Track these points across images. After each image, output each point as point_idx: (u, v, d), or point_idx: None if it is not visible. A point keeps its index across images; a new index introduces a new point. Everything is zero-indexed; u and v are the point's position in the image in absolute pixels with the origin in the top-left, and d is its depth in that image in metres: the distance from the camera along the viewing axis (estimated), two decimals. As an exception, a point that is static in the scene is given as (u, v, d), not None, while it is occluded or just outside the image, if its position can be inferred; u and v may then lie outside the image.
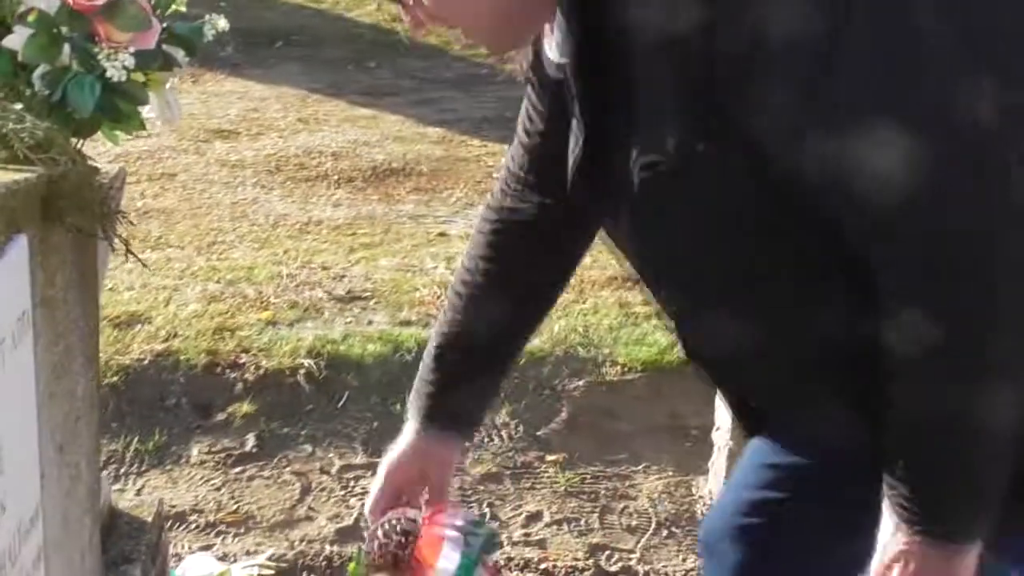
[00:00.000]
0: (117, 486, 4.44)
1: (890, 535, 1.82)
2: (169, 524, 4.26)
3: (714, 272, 1.88)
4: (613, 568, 4.06)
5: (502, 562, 4.04)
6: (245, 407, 4.75)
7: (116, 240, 1.98)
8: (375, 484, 2.42)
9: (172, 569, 2.76)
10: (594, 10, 1.79)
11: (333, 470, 4.54)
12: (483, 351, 2.35)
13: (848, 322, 1.80)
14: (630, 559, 4.16)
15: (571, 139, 1.95)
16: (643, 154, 1.81)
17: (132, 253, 2.04)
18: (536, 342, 5.03)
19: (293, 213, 6.76)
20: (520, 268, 2.30)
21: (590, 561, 4.09)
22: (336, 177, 7.41)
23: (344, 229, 6.53)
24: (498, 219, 2.31)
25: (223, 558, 3.97)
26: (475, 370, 2.37)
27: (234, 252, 6.09)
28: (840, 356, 1.86)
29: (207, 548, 4.12)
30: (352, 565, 3.91)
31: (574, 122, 1.92)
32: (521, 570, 4.00)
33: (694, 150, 1.76)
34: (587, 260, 6.11)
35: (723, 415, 4.39)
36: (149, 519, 2.42)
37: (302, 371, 4.86)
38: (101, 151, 7.44)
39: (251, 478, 4.50)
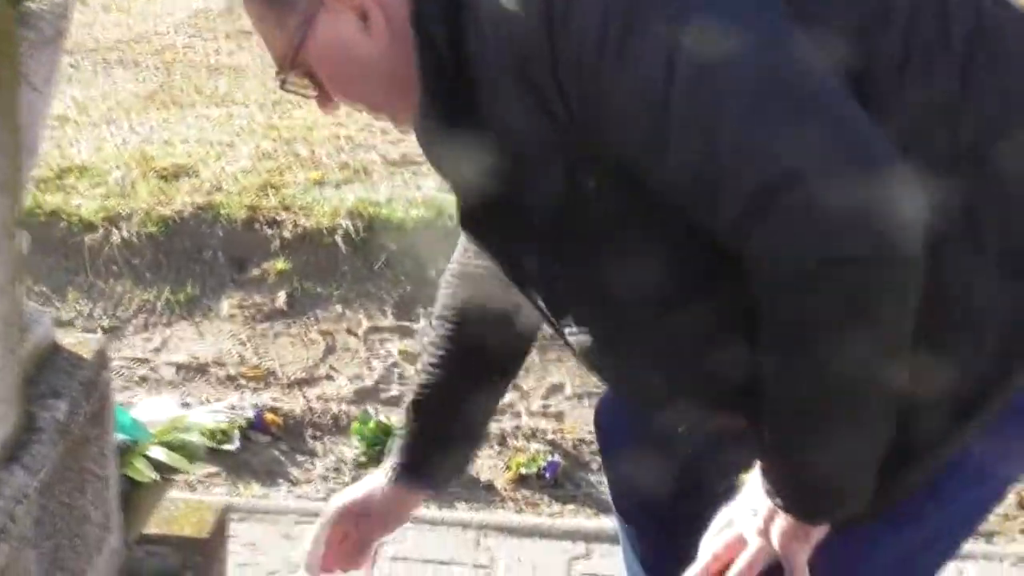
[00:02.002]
0: (144, 335, 4.47)
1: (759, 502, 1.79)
2: (191, 375, 4.29)
3: (615, 299, 1.80)
4: (623, 444, 3.99)
5: (508, 431, 4.00)
6: (280, 264, 4.73)
7: (17, 68, 1.93)
8: (321, 522, 2.34)
9: (123, 409, 2.75)
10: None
11: (360, 331, 4.52)
12: (460, 411, 2.29)
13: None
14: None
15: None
16: (527, 199, 1.77)
17: (29, 84, 1.98)
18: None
19: (364, 76, 6.70)
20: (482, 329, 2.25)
21: (603, 436, 4.03)
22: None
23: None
24: (461, 272, 2.29)
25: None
26: (452, 428, 2.31)
27: (297, 112, 6.05)
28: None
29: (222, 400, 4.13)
30: (356, 424, 3.93)
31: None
32: (527, 439, 3.95)
33: (586, 188, 1.71)
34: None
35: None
36: (89, 356, 2.39)
37: (340, 232, 4.82)
38: (171, 8, 7.44)
39: (277, 335, 4.49)
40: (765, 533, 1.78)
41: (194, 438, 2.68)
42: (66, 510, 2.27)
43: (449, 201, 4.93)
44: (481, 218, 1.91)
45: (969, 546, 2.79)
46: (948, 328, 1.69)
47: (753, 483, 1.80)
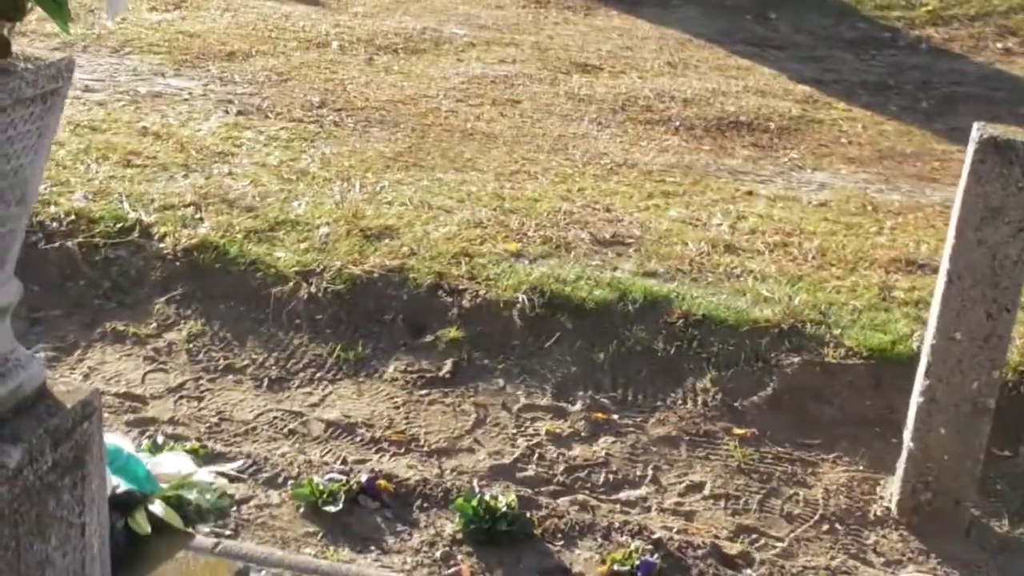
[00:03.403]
0: (307, 389, 4.57)
1: None
2: (336, 433, 4.35)
3: None
4: (734, 551, 3.84)
5: (617, 524, 3.89)
6: (454, 332, 4.76)
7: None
8: None
9: (139, 460, 2.78)
10: None
11: (515, 408, 4.50)
12: None
13: None
14: (773, 547, 3.92)
15: None
16: None
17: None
18: (766, 311, 4.80)
19: (613, 153, 6.70)
20: None
21: (724, 541, 3.88)
22: (677, 123, 7.28)
23: (655, 175, 6.41)
24: None
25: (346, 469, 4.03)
26: None
27: (529, 183, 6.10)
28: None
29: (361, 462, 4.17)
30: (460, 501, 3.90)
31: None
32: (633, 535, 3.84)
33: None
34: (882, 238, 5.76)
35: (912, 411, 4.06)
36: (70, 405, 2.45)
37: (517, 305, 4.82)
38: (450, 73, 7.60)
39: (432, 402, 4.51)
40: None
41: (194, 496, 2.71)
42: (12, 554, 2.32)
43: (636, 286, 4.86)
44: None
45: None
46: None
47: None
